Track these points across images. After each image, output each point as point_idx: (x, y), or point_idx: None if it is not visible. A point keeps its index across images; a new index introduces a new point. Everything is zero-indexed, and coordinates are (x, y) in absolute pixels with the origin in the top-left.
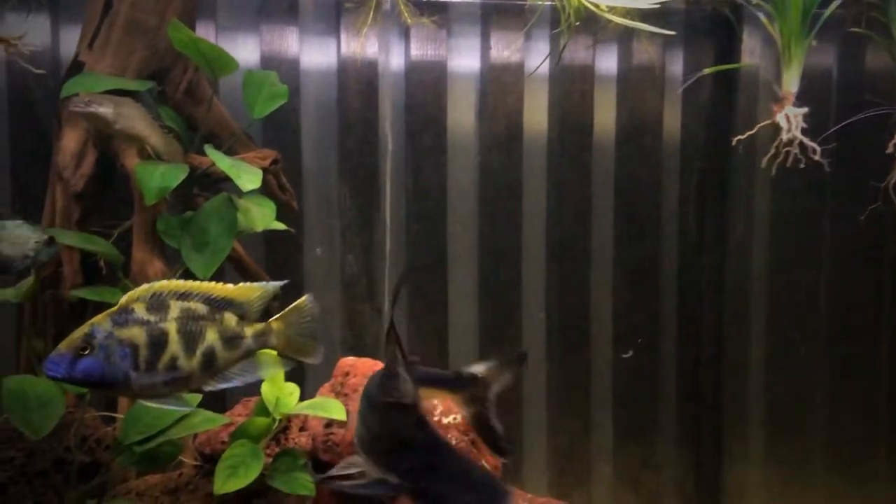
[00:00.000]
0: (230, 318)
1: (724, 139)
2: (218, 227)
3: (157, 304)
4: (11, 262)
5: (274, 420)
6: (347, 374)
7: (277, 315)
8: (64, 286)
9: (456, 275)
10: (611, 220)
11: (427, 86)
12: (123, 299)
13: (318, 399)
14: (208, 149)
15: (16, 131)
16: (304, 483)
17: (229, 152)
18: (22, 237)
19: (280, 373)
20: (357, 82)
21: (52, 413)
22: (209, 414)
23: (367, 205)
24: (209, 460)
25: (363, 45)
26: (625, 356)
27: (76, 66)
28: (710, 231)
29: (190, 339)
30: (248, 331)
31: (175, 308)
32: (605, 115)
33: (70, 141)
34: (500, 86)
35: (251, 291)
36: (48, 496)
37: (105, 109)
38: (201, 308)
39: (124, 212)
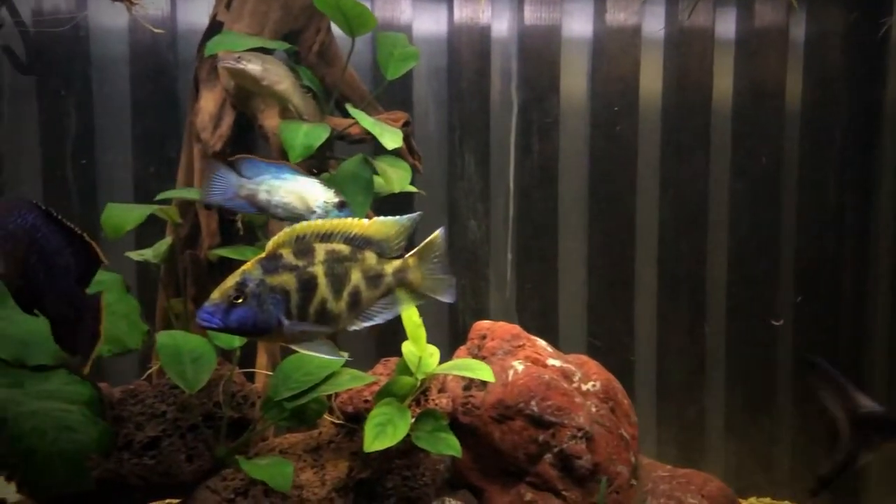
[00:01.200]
0: (371, 257)
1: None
2: (355, 187)
3: (303, 248)
4: (298, 216)
5: (417, 380)
6: (484, 336)
7: (413, 251)
8: (201, 246)
9: (567, 241)
10: (727, 187)
11: (540, 51)
12: (270, 245)
13: (462, 360)
14: (350, 108)
15: (139, 96)
16: (451, 443)
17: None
18: (313, 194)
19: (422, 333)
20: (469, 48)
21: (204, 368)
22: (355, 372)
23: (487, 171)
24: (351, 419)
25: (476, 10)
26: (775, 323)
27: (214, 26)
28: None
29: (337, 281)
30: (388, 268)
31: (320, 251)
32: (724, 81)
33: (208, 102)
34: (615, 50)
35: (389, 227)
36: (199, 450)
37: (254, 66)
38: (344, 249)
39: None
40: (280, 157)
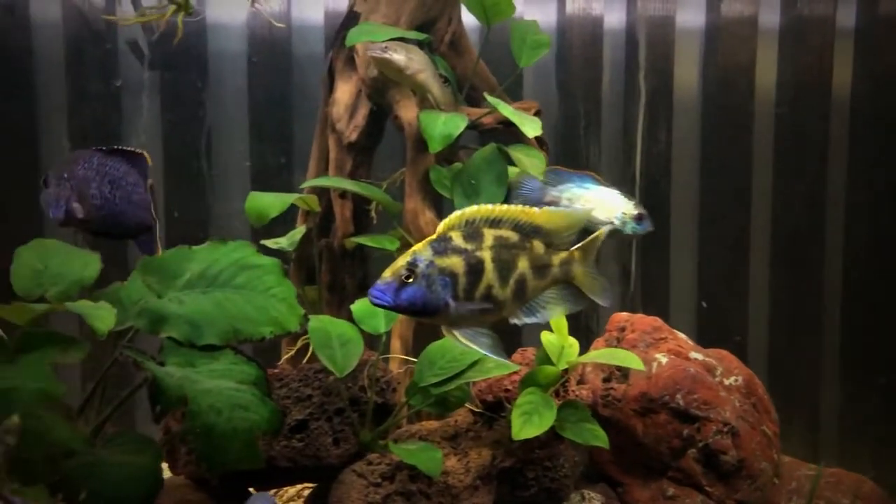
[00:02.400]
0: (538, 246)
1: None
2: (489, 176)
3: (473, 232)
4: (598, 224)
5: (560, 370)
6: (623, 328)
7: (578, 245)
8: (335, 235)
9: (678, 229)
10: (845, 180)
11: (653, 42)
12: (440, 227)
13: (608, 350)
14: (489, 97)
15: (256, 90)
16: (598, 434)
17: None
18: (614, 204)
19: (564, 323)
20: (581, 40)
21: (352, 352)
22: (500, 360)
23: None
24: (490, 407)
25: (589, 1)
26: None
27: (352, 17)
28: None
29: (504, 267)
30: (555, 259)
31: (489, 236)
32: (843, 72)
33: (343, 93)
34: (729, 41)
35: (559, 218)
36: (346, 433)
37: (399, 56)
38: (513, 236)
39: (387, 164)
40: (414, 146)
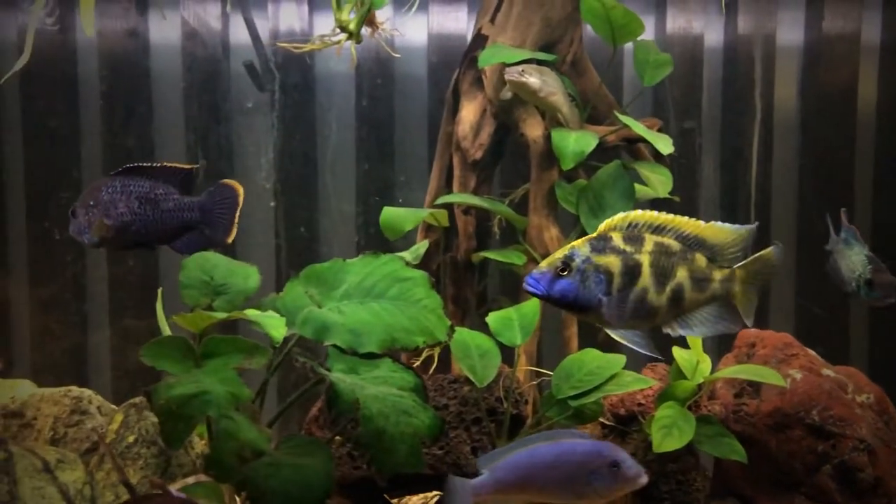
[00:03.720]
0: (700, 259)
1: None
2: (614, 193)
3: (633, 235)
4: (843, 282)
5: (695, 385)
6: (753, 344)
7: (743, 262)
8: (457, 249)
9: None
10: None
11: (749, 60)
12: (602, 226)
13: (746, 366)
14: (620, 116)
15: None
16: (735, 448)
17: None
18: (857, 262)
19: (699, 339)
20: (682, 58)
21: (491, 363)
22: (637, 374)
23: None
24: (622, 421)
25: (689, 20)
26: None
27: (479, 39)
28: None
29: (661, 274)
30: (717, 274)
31: (649, 242)
32: None
33: (469, 112)
34: (830, 59)
35: (725, 234)
36: (483, 442)
37: (534, 80)
38: (674, 245)
39: (509, 181)
40: (539, 163)
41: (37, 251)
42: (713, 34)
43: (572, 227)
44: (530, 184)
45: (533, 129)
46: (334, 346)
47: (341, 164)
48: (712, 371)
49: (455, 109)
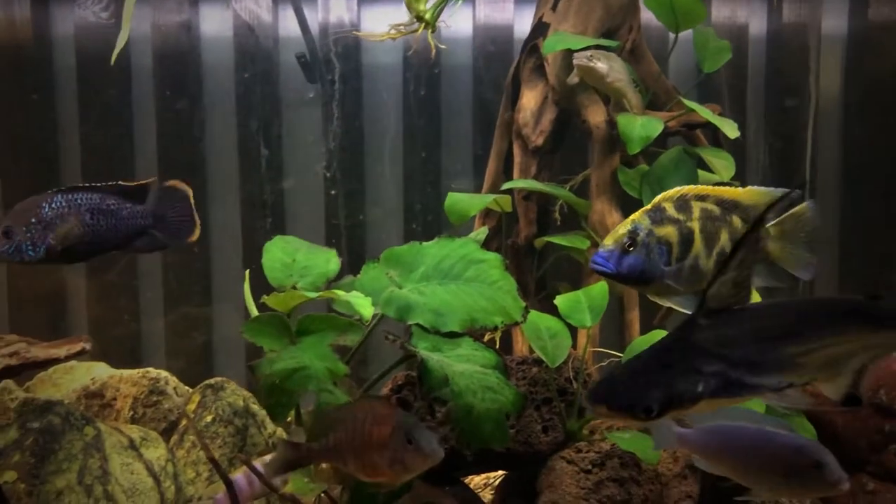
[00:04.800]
0: (737, 221)
1: None
2: (677, 178)
3: (683, 204)
4: None
5: None
6: None
7: (775, 220)
8: (518, 235)
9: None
10: None
11: (793, 49)
12: (656, 199)
13: None
14: (686, 101)
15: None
16: (806, 427)
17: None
18: None
19: None
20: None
21: (561, 344)
22: None
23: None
24: None
25: (734, 9)
26: None
27: (540, 27)
28: None
29: (710, 238)
30: None
31: (696, 208)
32: None
33: (530, 100)
34: (876, 47)
35: (760, 196)
36: (553, 422)
37: (602, 65)
38: (716, 209)
39: (566, 168)
40: (601, 149)
41: None
42: (758, 23)
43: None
44: (592, 169)
45: (595, 115)
46: (417, 325)
47: (390, 153)
48: None
49: (514, 97)
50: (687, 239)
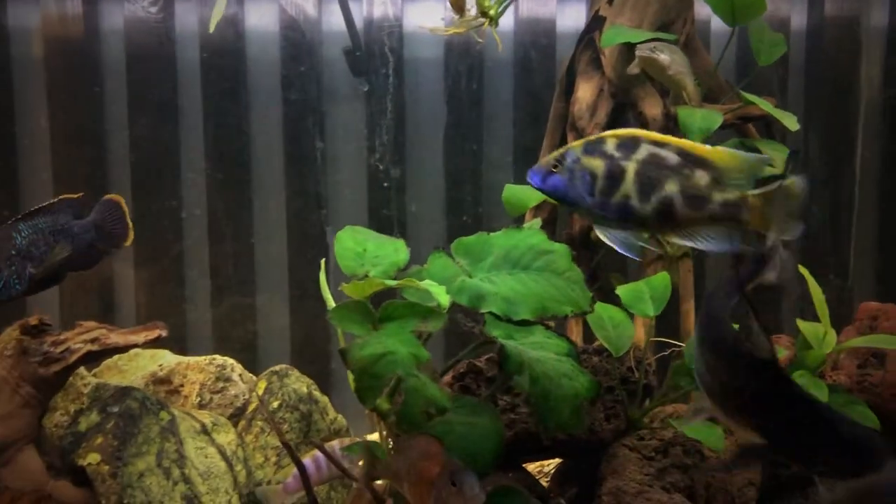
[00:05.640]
0: (701, 177)
1: None
2: None
3: (627, 143)
4: None
5: (824, 354)
6: (876, 317)
7: (760, 190)
8: (572, 227)
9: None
10: None
11: (838, 42)
12: (607, 132)
13: (877, 335)
14: (745, 94)
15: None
16: (868, 415)
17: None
18: None
19: (826, 310)
20: None
21: (624, 334)
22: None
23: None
24: None
25: (776, 3)
26: None
27: (596, 21)
28: None
29: (647, 183)
30: (718, 196)
31: (643, 150)
32: None
33: (585, 92)
34: None
35: (732, 158)
36: (616, 410)
37: (664, 56)
38: (671, 158)
39: None
40: None
41: (141, 229)
42: (799, 17)
43: None
44: None
45: (651, 108)
46: (490, 313)
47: (433, 146)
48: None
49: (568, 89)
50: (614, 176)
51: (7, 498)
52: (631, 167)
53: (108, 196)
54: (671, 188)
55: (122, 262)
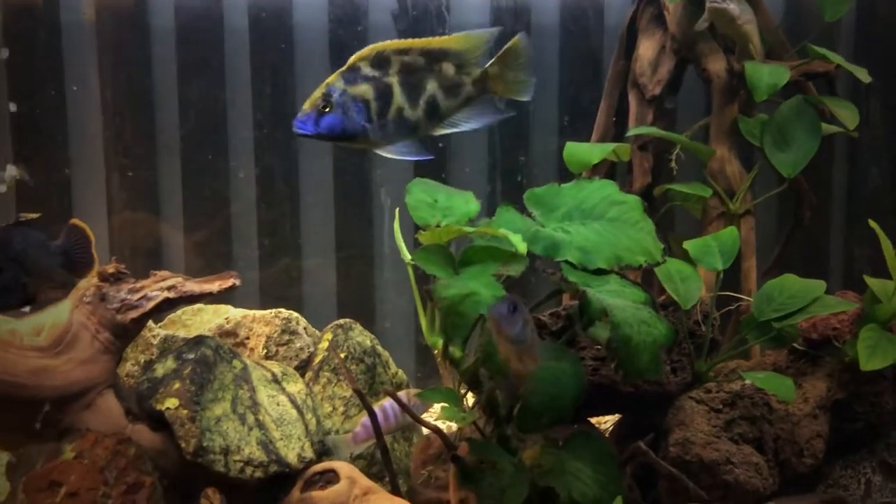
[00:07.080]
0: (448, 68)
1: None
2: (799, 127)
3: (380, 60)
4: None
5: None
6: None
7: (492, 60)
8: (631, 185)
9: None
10: None
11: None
12: (351, 59)
13: None
14: (816, 48)
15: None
16: None
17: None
18: None
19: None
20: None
21: (692, 287)
22: (837, 298)
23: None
24: (814, 345)
25: None
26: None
27: None
28: None
29: (412, 89)
30: (467, 78)
31: (396, 63)
32: None
33: (647, 49)
34: None
35: (466, 40)
36: (682, 363)
37: (734, 7)
38: (420, 61)
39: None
40: (721, 98)
41: (188, 193)
42: None
43: (748, 162)
44: (711, 118)
45: (715, 64)
46: (566, 262)
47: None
48: None
49: (629, 47)
50: (384, 94)
51: (91, 440)
52: (394, 80)
53: (73, 221)
54: (431, 86)
55: (170, 225)
